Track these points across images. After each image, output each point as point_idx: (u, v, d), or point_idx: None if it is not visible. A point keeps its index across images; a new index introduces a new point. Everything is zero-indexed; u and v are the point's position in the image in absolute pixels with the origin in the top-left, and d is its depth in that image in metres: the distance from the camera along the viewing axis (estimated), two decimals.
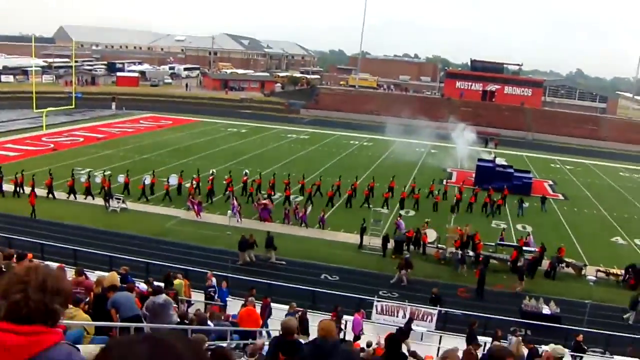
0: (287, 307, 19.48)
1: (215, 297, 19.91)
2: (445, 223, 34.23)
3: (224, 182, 38.39)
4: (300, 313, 18.81)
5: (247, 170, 42.12)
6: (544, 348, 14.60)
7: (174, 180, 38.27)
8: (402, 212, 37.65)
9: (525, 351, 13.37)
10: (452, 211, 38.47)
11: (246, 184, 39.22)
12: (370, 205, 36.93)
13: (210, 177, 39.04)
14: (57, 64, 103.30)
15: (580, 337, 18.77)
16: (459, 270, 28.67)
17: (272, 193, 37.96)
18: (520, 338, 13.67)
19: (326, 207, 36.30)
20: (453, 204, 39.29)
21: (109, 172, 39.89)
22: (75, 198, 35.92)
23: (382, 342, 7.75)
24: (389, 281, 27.16)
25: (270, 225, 32.82)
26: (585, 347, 18.77)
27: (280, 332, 7.36)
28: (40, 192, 34.41)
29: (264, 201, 34.74)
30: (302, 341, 8.13)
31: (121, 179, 37.89)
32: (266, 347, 8.93)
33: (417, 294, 24.83)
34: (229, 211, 32.43)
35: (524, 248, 30.50)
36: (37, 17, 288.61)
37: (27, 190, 34.22)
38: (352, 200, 38.48)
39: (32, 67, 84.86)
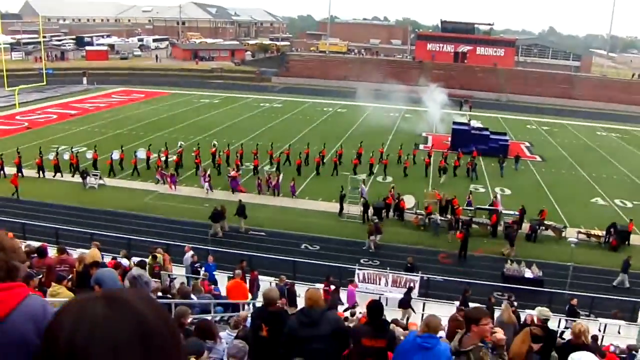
0: (272, 279, 19.27)
1: (203, 272, 19.47)
2: (422, 188, 33.95)
3: (193, 154, 37.96)
4: (288, 285, 18.65)
5: (215, 142, 41.40)
6: (527, 312, 14.38)
7: (142, 154, 37.87)
8: (380, 179, 37.44)
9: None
10: (426, 175, 38.41)
11: (214, 155, 38.68)
12: (351, 173, 36.52)
13: (179, 150, 38.69)
14: (25, 40, 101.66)
15: (575, 301, 18.63)
16: (449, 238, 28.26)
17: (240, 164, 37.42)
18: (508, 303, 13.36)
19: (299, 175, 36.18)
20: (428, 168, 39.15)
21: (76, 149, 39.01)
22: (44, 176, 35.36)
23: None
24: (369, 249, 26.94)
25: (243, 195, 32.32)
26: (579, 311, 18.64)
27: (263, 303, 7.24)
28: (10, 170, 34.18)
29: (233, 173, 34.48)
30: (287, 310, 8.06)
31: (90, 155, 37.45)
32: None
33: (398, 260, 24.55)
34: (205, 183, 32.82)
35: (504, 211, 30.37)
36: None
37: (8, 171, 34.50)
38: (320, 169, 38.28)
39: (0, 44, 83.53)
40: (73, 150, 38.32)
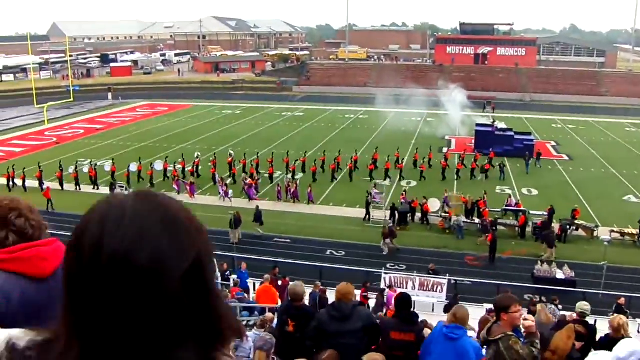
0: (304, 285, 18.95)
1: (234, 279, 19.34)
2: (445, 191, 33.49)
3: (209, 163, 38.37)
4: (321, 292, 18.42)
5: (231, 151, 41.56)
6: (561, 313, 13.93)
7: (159, 166, 38.33)
8: (404, 184, 37.08)
9: (554, 318, 12.69)
10: (443, 178, 37.98)
11: (230, 164, 38.80)
12: (374, 178, 36.33)
13: (196, 160, 39.22)
14: (53, 59, 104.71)
15: (622, 300, 18.04)
16: (478, 242, 27.68)
17: (254, 172, 37.55)
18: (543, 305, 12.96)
19: (313, 182, 36.05)
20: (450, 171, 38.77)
21: (95, 162, 39.46)
22: (62, 189, 36.17)
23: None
24: (395, 253, 26.65)
25: (263, 202, 32.39)
26: (627, 311, 18.01)
27: (289, 299, 7.24)
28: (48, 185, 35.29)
29: (249, 181, 34.89)
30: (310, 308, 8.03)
31: (108, 167, 38.06)
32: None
33: (424, 265, 24.18)
34: (222, 191, 33.56)
35: (532, 212, 29.82)
36: (30, 15, 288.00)
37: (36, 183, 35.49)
38: (336, 174, 38.09)
39: (30, 64, 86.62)
40: (92, 163, 38.88)
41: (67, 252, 1.04)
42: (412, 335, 6.11)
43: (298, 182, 34.81)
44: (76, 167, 37.34)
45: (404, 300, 6.58)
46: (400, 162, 39.68)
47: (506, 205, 31.49)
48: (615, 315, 8.90)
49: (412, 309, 6.85)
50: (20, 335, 1.10)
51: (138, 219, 1.00)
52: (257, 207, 29.58)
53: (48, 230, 2.10)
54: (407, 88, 70.27)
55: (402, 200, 31.13)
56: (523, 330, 5.55)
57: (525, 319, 5.66)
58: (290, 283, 7.85)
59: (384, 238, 27.05)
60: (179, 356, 1.00)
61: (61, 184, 36.20)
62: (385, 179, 36.32)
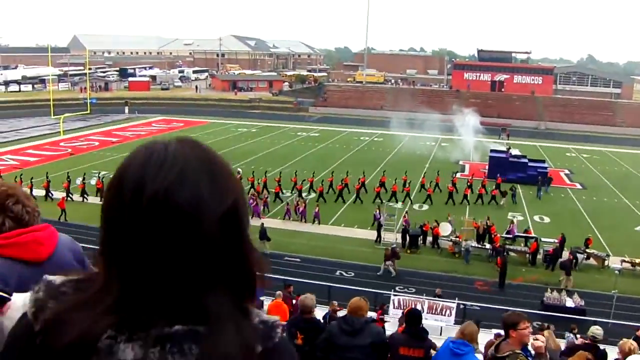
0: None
1: None
2: (448, 215, 33.50)
3: None
4: (336, 310, 18.44)
5: (239, 169, 41.67)
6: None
7: None
8: (416, 207, 37.17)
9: (562, 344, 12.74)
10: (448, 202, 37.91)
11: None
12: (384, 200, 36.44)
13: None
14: (72, 72, 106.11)
15: None
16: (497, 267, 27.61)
17: (260, 191, 37.46)
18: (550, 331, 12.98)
19: (324, 202, 36.18)
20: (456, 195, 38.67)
21: (103, 174, 39.77)
22: (71, 199, 36.25)
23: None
24: (405, 276, 26.65)
25: (273, 221, 32.59)
26: None
27: (298, 311, 7.33)
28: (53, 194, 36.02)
29: (264, 198, 35.45)
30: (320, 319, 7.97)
31: (93, 182, 38.09)
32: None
33: (432, 288, 24.21)
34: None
35: (543, 240, 29.80)
36: (51, 28, 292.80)
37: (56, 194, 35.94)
38: (360, 195, 37.88)
39: (49, 75, 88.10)
40: (100, 175, 39.27)
41: (108, 192, 1.07)
42: (421, 352, 6.14)
43: (307, 201, 34.99)
44: (83, 179, 37.49)
45: (414, 316, 6.64)
46: (407, 185, 39.50)
47: (507, 232, 31.44)
48: (626, 340, 8.92)
49: (421, 325, 6.90)
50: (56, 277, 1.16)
51: (179, 161, 1.02)
52: (262, 224, 29.61)
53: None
54: (423, 112, 70.53)
55: (404, 224, 31.19)
56: (532, 349, 5.53)
57: (535, 339, 5.65)
58: (301, 296, 7.94)
59: (386, 260, 27.07)
60: (212, 300, 1.02)
61: (68, 195, 36.12)
62: (392, 201, 36.42)
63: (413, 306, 21.96)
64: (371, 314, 18.56)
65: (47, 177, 36.85)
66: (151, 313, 1.00)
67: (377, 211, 32.49)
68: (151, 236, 0.99)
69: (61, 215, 32.45)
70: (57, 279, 1.10)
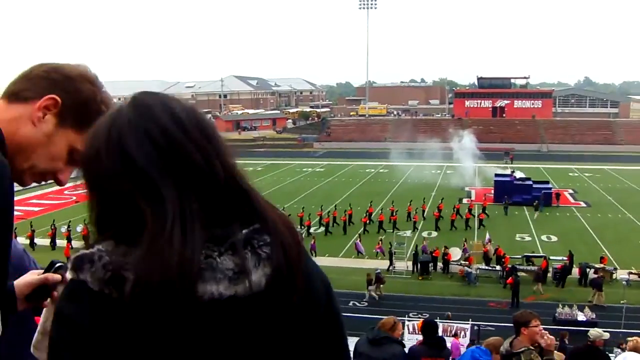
0: None
1: None
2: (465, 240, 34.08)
3: None
4: None
5: None
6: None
7: None
8: (425, 234, 37.70)
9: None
10: (452, 228, 38.66)
11: None
12: (397, 229, 37.24)
13: None
14: None
15: None
16: (534, 289, 27.89)
17: None
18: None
19: (331, 235, 37.35)
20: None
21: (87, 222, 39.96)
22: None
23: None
24: (418, 302, 27.03)
25: None
26: None
27: None
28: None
29: None
30: None
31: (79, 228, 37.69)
32: None
33: (445, 313, 24.66)
34: None
35: (551, 258, 30.27)
36: None
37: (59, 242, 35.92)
38: (367, 227, 38.45)
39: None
40: (86, 222, 38.88)
41: (85, 161, 1.17)
42: None
43: (315, 235, 35.49)
44: (68, 227, 37.11)
45: (431, 325, 6.92)
46: (415, 213, 40.17)
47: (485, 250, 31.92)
48: (635, 337, 9.13)
49: (437, 334, 7.13)
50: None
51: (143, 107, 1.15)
52: None
53: None
54: (426, 142, 71.46)
55: (423, 250, 31.75)
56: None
57: (542, 337, 5.93)
58: None
59: (369, 285, 27.62)
60: (249, 203, 1.21)
61: (52, 243, 36.26)
62: (391, 230, 37.10)
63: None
64: None
65: (52, 225, 36.89)
66: (217, 226, 1.10)
67: (359, 240, 33.58)
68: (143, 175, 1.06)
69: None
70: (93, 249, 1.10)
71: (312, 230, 38.31)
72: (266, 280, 1.09)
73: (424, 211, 41.00)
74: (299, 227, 38.35)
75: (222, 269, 1.06)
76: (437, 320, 22.31)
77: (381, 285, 27.95)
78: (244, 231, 1.12)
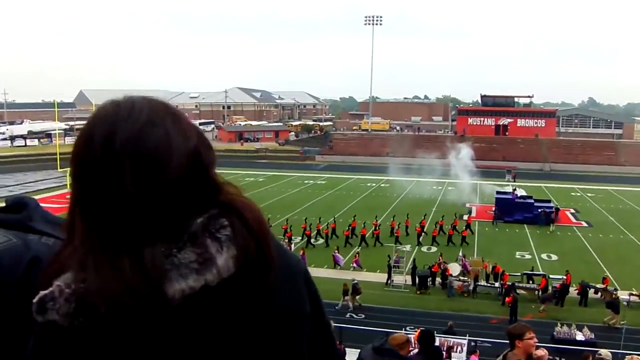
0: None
1: None
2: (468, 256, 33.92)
3: None
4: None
5: None
6: None
7: None
8: (424, 249, 37.59)
9: None
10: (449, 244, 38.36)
11: None
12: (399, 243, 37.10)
13: None
14: (78, 126, 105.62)
15: None
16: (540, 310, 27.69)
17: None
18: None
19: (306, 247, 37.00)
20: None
21: None
22: None
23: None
24: (416, 316, 26.83)
25: None
26: None
27: None
28: None
29: None
30: None
31: None
32: None
33: (443, 327, 24.46)
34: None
35: (551, 276, 30.07)
36: (57, 83, 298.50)
37: None
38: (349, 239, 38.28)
39: (55, 130, 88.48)
40: None
41: (79, 144, 1.11)
42: None
43: (292, 245, 35.46)
44: None
45: (429, 335, 6.78)
46: (412, 228, 40.13)
47: (461, 265, 31.82)
48: (633, 355, 9.13)
49: (435, 344, 6.96)
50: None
51: (146, 107, 1.09)
52: None
53: None
54: (428, 158, 71.48)
55: (395, 262, 31.69)
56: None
57: (539, 349, 5.85)
58: None
59: (344, 294, 27.68)
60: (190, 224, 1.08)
61: None
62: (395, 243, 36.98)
63: None
64: None
65: None
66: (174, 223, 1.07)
67: (337, 251, 33.62)
68: (129, 179, 1.02)
69: None
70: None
71: (312, 241, 38.16)
72: (234, 262, 1.08)
73: (423, 227, 40.76)
74: (300, 238, 38.47)
75: (186, 263, 1.04)
76: (435, 335, 22.28)
77: (357, 296, 28.01)
78: (198, 220, 1.08)
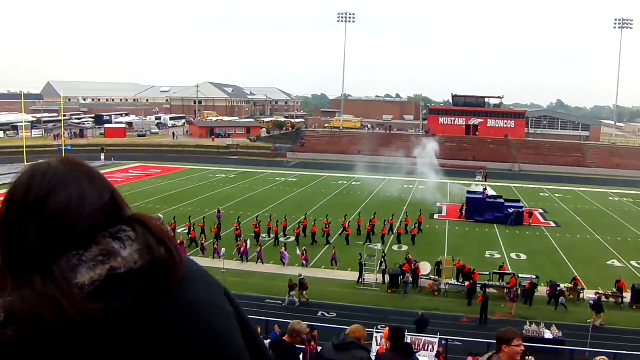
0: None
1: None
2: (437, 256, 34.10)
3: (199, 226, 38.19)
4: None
5: (160, 215, 39.74)
6: None
7: None
8: (395, 248, 37.75)
9: None
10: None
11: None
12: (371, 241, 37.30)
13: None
14: (45, 118, 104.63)
15: None
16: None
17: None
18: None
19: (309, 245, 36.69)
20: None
21: None
22: None
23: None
24: (388, 315, 26.90)
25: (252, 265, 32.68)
26: None
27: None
28: None
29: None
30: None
31: None
32: None
33: (414, 326, 24.59)
34: (223, 249, 33.28)
35: (521, 275, 30.41)
36: (24, 74, 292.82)
37: None
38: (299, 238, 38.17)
39: (21, 122, 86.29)
40: None
41: (2, 206, 1.26)
42: None
43: (248, 241, 35.31)
44: None
45: (398, 332, 6.73)
46: (384, 226, 40.17)
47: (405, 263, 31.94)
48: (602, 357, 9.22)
49: (405, 341, 6.96)
50: None
51: (60, 170, 1.26)
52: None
53: None
54: (399, 157, 71.86)
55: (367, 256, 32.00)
56: None
57: (526, 357, 5.81)
58: (294, 320, 8.08)
59: (290, 290, 27.92)
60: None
61: None
62: (365, 242, 37.07)
63: None
64: None
65: None
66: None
67: (284, 249, 34.08)
68: (42, 229, 1.19)
69: None
70: None
71: (281, 239, 38.06)
72: (140, 256, 1.24)
73: (391, 225, 40.94)
74: (268, 236, 38.22)
75: (91, 257, 1.20)
76: (407, 334, 22.32)
77: (304, 291, 28.26)
78: (104, 233, 1.26)
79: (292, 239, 38.15)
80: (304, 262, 33.42)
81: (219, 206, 45.87)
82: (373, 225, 40.10)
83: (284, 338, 7.26)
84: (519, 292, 28.19)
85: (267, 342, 19.26)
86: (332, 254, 33.80)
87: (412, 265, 31.31)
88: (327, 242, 38.00)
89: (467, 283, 29.69)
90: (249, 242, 35.21)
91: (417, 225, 40.75)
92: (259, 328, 20.88)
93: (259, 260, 33.91)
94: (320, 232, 38.86)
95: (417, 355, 20.14)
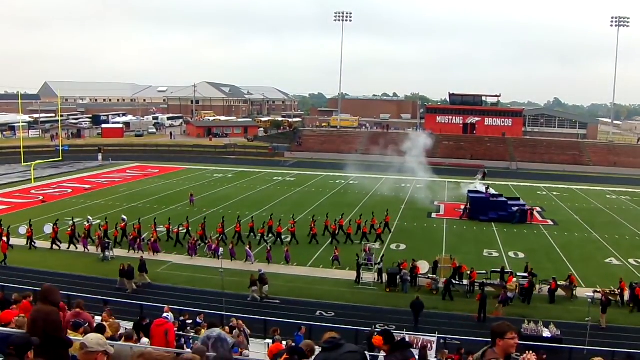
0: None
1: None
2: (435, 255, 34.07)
3: (149, 227, 38.10)
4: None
5: (124, 217, 39.62)
6: None
7: (48, 229, 37.19)
8: (393, 247, 37.72)
9: None
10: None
11: (124, 229, 37.44)
12: (367, 240, 36.94)
13: (122, 224, 37.74)
14: (43, 119, 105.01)
15: None
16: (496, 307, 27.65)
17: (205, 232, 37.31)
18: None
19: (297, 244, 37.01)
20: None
21: (77, 220, 39.39)
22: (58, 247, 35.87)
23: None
24: (386, 314, 26.88)
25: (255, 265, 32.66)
26: None
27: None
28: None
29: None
30: None
31: (22, 230, 36.79)
32: None
33: (411, 325, 24.61)
34: (221, 249, 33.28)
35: (518, 274, 30.41)
36: (21, 75, 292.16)
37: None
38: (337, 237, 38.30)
39: (19, 123, 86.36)
40: (72, 222, 37.90)
41: None
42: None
43: (232, 241, 35.48)
44: (30, 226, 36.21)
45: (390, 333, 6.75)
46: (379, 226, 40.07)
47: (366, 254, 31.84)
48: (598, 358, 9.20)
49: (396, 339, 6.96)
50: None
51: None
52: (142, 257, 31.03)
53: None
54: (397, 155, 71.76)
55: (365, 252, 31.99)
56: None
57: (527, 356, 5.75)
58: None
59: (251, 285, 28.04)
60: None
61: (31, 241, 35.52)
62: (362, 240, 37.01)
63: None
64: None
65: (29, 225, 36.05)
66: None
67: (249, 247, 34.20)
68: None
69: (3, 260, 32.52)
70: None
71: (282, 237, 38.01)
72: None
73: (387, 223, 40.89)
74: (270, 234, 37.96)
75: None
76: (404, 333, 22.31)
77: (265, 286, 28.32)
78: None
79: (289, 238, 38.18)
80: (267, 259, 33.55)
81: (217, 206, 45.81)
82: (372, 224, 39.95)
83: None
84: (508, 294, 28.06)
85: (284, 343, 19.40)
86: (333, 254, 33.74)
87: (410, 264, 31.30)
88: (312, 241, 37.99)
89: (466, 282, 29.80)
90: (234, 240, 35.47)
91: (382, 224, 40.45)
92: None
93: (268, 260, 33.76)
94: (307, 231, 38.77)
95: (416, 352, 20.25)
